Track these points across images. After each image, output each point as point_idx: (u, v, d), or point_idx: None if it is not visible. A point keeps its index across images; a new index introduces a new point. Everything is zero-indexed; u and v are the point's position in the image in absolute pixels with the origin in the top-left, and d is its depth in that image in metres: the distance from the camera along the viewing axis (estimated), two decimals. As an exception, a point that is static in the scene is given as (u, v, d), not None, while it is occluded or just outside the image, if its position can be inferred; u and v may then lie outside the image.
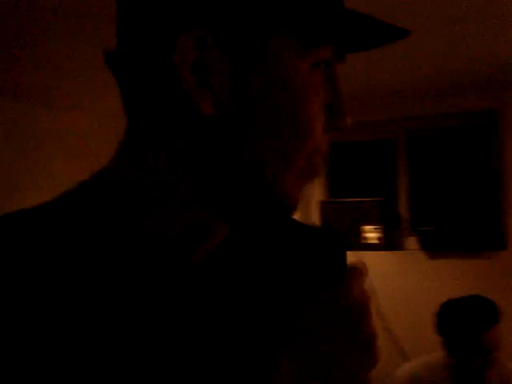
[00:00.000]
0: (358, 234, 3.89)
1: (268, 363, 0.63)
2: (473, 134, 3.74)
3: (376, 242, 3.84)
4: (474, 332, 2.60)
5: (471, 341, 2.61)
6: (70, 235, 0.63)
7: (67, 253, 0.62)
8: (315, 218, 4.16)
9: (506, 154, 3.55)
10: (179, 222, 0.68)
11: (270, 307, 0.69)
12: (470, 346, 2.62)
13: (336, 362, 0.64)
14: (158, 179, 0.67)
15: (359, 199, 3.96)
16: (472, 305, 2.69)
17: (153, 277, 0.64)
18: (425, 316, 3.67)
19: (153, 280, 0.64)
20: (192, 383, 0.64)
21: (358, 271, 0.68)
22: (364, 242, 3.86)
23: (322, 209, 4.05)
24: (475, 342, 2.60)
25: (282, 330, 0.65)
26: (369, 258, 3.81)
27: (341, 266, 0.71)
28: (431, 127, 3.88)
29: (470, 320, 2.63)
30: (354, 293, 0.66)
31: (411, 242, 3.86)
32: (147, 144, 0.67)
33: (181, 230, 0.68)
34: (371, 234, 3.86)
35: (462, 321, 2.66)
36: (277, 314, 0.67)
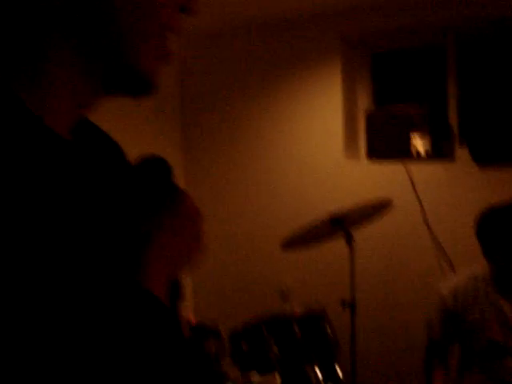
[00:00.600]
0: (406, 143, 3.78)
1: (140, 256, 0.86)
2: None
3: (424, 151, 3.73)
4: None
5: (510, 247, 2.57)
6: None
7: None
8: (361, 127, 4.06)
9: None
10: (60, 95, 0.80)
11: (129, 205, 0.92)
12: (508, 253, 2.58)
13: (185, 253, 0.94)
14: (41, 57, 0.78)
15: (407, 108, 3.82)
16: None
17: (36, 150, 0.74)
18: (473, 228, 3.61)
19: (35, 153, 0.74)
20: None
21: (185, 193, 0.96)
22: (412, 151, 3.76)
23: (368, 118, 3.94)
24: None
25: (149, 228, 0.89)
26: (416, 168, 3.73)
27: (171, 186, 0.96)
28: (482, 31, 3.69)
29: (509, 226, 2.59)
30: (191, 204, 0.95)
31: (460, 152, 3.74)
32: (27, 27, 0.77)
33: (62, 102, 0.80)
34: (419, 143, 3.75)
35: (500, 227, 2.61)
36: (141, 215, 0.91)
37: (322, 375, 2.81)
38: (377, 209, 3.12)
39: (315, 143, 4.08)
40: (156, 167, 0.98)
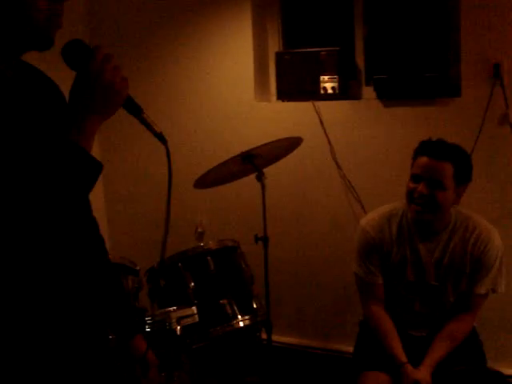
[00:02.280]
0: (315, 84, 3.88)
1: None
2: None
3: (333, 91, 3.84)
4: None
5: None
6: None
7: None
8: (272, 70, 4.13)
9: (461, 1, 3.50)
10: None
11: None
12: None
13: (112, 94, 1.38)
14: None
15: (315, 49, 3.91)
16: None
17: None
18: (380, 163, 3.77)
19: None
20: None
21: (99, 49, 1.37)
22: (321, 91, 3.86)
23: (278, 60, 4.00)
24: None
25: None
26: (326, 108, 3.84)
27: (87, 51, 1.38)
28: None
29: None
30: (103, 60, 1.36)
31: (367, 91, 3.88)
32: None
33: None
34: (328, 83, 3.85)
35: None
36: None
37: (237, 307, 2.92)
38: (287, 146, 3.22)
39: (226, 85, 4.12)
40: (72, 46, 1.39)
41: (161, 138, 1.49)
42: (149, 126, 1.48)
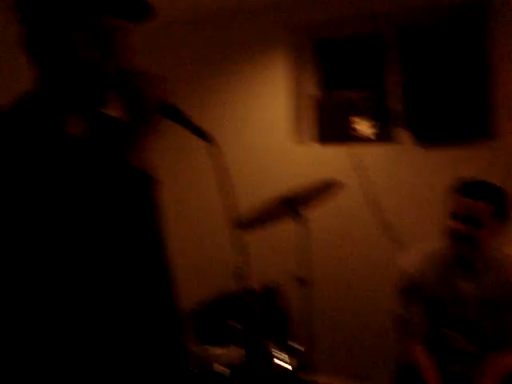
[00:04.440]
0: (351, 127, 3.95)
1: None
2: (464, 26, 3.72)
3: (369, 135, 3.91)
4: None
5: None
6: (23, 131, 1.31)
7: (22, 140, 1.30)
8: (308, 113, 4.21)
9: (495, 46, 3.56)
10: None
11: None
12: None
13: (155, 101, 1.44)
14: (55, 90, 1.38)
15: (351, 93, 3.99)
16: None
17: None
18: (419, 206, 3.81)
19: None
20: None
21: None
22: (357, 135, 3.93)
23: (316, 104, 4.08)
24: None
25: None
26: (363, 151, 3.90)
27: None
28: (422, 21, 3.86)
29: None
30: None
31: (404, 135, 3.94)
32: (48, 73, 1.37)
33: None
34: (364, 127, 3.92)
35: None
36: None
37: (278, 347, 2.96)
38: (325, 189, 3.27)
39: (264, 129, 4.23)
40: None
41: (205, 136, 1.45)
42: (193, 127, 1.44)
